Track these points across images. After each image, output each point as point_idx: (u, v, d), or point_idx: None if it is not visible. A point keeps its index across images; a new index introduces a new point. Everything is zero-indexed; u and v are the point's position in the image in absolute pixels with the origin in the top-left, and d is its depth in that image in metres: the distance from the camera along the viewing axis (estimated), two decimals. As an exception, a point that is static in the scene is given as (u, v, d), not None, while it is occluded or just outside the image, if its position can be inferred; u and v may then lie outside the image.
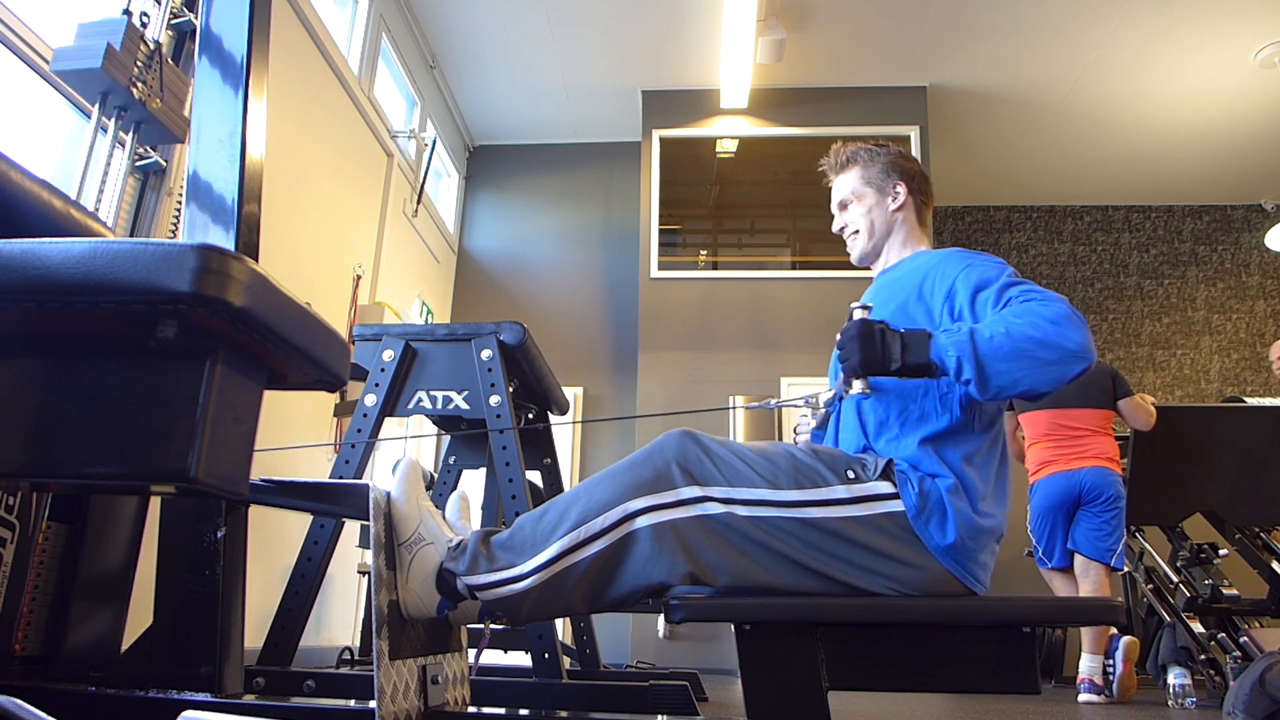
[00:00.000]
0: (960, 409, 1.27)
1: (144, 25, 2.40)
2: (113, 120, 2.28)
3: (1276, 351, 4.17)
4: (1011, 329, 1.16)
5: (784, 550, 1.16)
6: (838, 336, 1.24)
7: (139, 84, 2.22)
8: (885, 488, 1.19)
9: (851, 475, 1.20)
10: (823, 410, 1.49)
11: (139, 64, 2.21)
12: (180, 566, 1.21)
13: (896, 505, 1.18)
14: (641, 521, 1.17)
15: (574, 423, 5.06)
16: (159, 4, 2.67)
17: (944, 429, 1.26)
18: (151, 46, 2.27)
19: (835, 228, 1.57)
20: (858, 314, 1.24)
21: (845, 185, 1.54)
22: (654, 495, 1.18)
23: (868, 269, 1.56)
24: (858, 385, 1.25)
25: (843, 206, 1.55)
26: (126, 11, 2.23)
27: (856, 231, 1.53)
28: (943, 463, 1.23)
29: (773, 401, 1.79)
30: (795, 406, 1.64)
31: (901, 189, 1.51)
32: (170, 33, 2.75)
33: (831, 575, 1.17)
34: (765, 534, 1.17)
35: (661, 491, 1.18)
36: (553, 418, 2.65)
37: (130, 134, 2.39)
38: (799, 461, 1.21)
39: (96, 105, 2.21)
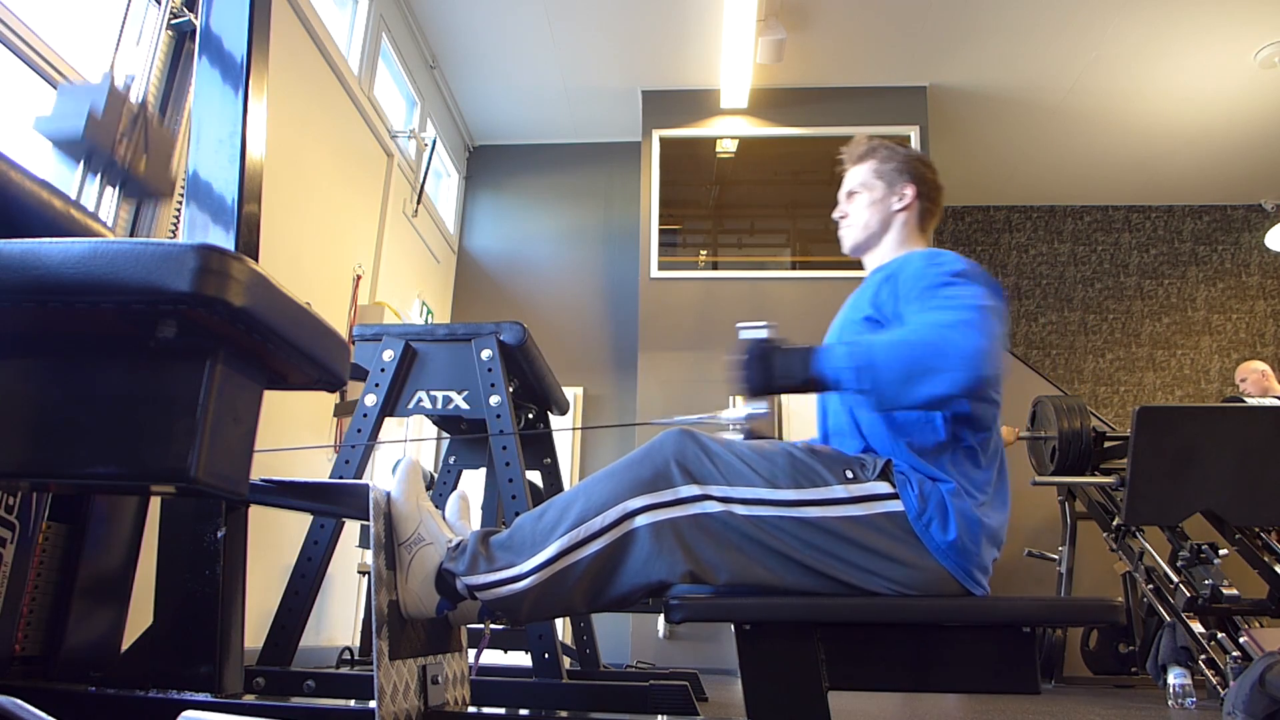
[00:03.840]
0: (944, 416, 1.26)
1: (128, 86, 2.36)
2: (97, 179, 2.25)
3: (1242, 373, 4.20)
4: (906, 337, 1.18)
5: (782, 549, 1.17)
6: (732, 358, 1.25)
7: (123, 143, 2.19)
8: (884, 488, 1.19)
9: (850, 475, 1.20)
10: (741, 428, 1.51)
11: (123, 126, 2.17)
12: (180, 566, 1.21)
13: (896, 505, 1.18)
14: (640, 520, 1.17)
15: (573, 430, 5.06)
16: (159, 4, 2.67)
17: (933, 436, 1.25)
18: (135, 107, 2.24)
19: (835, 214, 1.57)
20: (747, 334, 1.25)
21: (857, 176, 1.54)
22: (653, 494, 1.18)
23: (859, 263, 1.56)
24: (754, 405, 1.29)
25: (849, 196, 1.55)
26: (109, 73, 2.21)
27: (852, 222, 1.53)
28: (941, 467, 1.23)
29: (677, 418, 1.84)
30: (699, 423, 1.65)
31: (910, 191, 1.50)
32: (170, 33, 2.75)
33: (830, 574, 1.17)
34: (764, 533, 1.17)
35: (660, 490, 1.18)
36: (553, 422, 2.65)
37: (116, 190, 2.36)
38: (798, 461, 1.21)
39: (80, 167, 2.20)
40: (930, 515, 1.17)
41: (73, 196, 2.20)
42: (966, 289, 1.22)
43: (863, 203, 1.52)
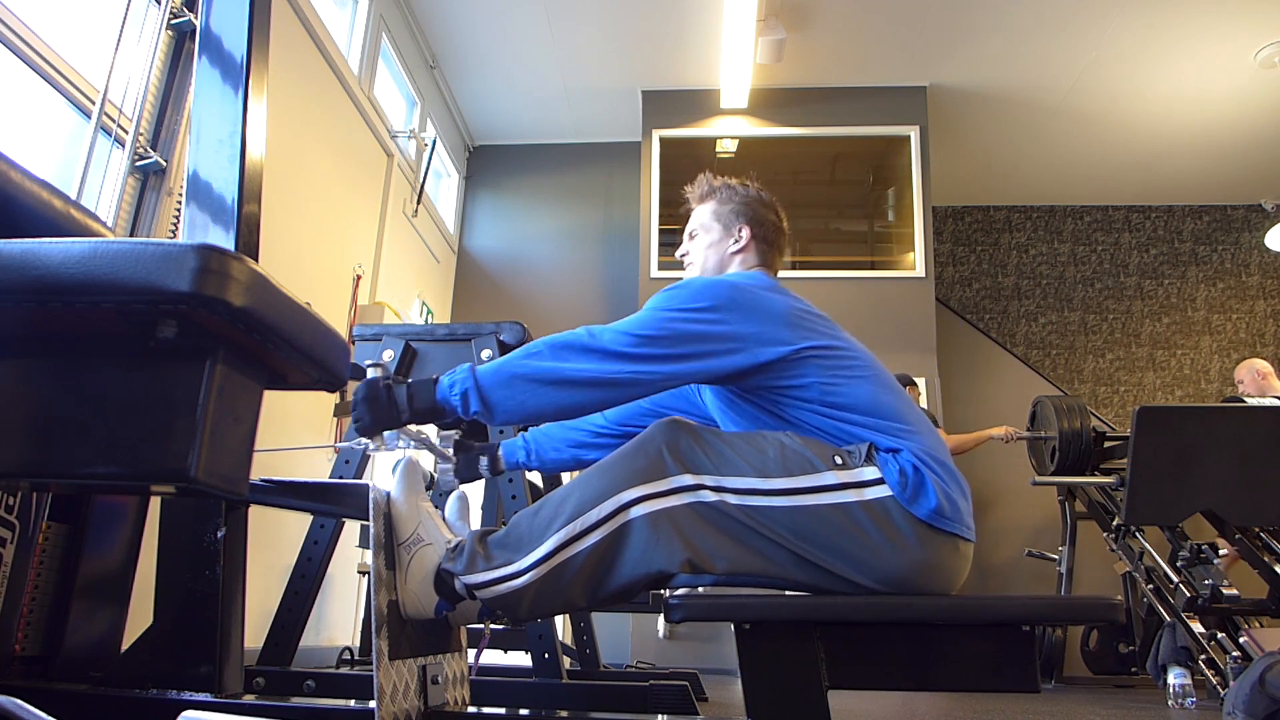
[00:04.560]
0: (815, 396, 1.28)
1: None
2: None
3: (1240, 373, 4.21)
4: (515, 356, 1.26)
5: (775, 538, 1.17)
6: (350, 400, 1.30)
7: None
8: (872, 472, 1.20)
9: (839, 461, 1.20)
10: (448, 463, 1.57)
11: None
12: (180, 566, 1.21)
13: (884, 490, 1.19)
14: (636, 511, 1.17)
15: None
16: (159, 4, 2.67)
17: (803, 406, 1.28)
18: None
19: (678, 254, 1.61)
20: (369, 373, 1.30)
21: (697, 217, 1.58)
22: (647, 484, 1.18)
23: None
24: (378, 441, 1.33)
25: (690, 236, 1.59)
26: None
27: (692, 263, 1.56)
28: (893, 437, 1.24)
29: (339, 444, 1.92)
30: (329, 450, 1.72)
31: (746, 232, 1.53)
32: (170, 33, 2.75)
33: (822, 561, 1.17)
34: (757, 522, 1.17)
35: (655, 480, 1.18)
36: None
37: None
38: (787, 448, 1.21)
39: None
40: (911, 486, 1.18)
41: (76, 180, 2.22)
42: (635, 316, 1.29)
43: (701, 244, 1.55)
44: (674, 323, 1.27)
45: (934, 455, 1.23)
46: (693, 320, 1.27)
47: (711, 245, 1.54)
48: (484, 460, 1.63)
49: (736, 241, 1.53)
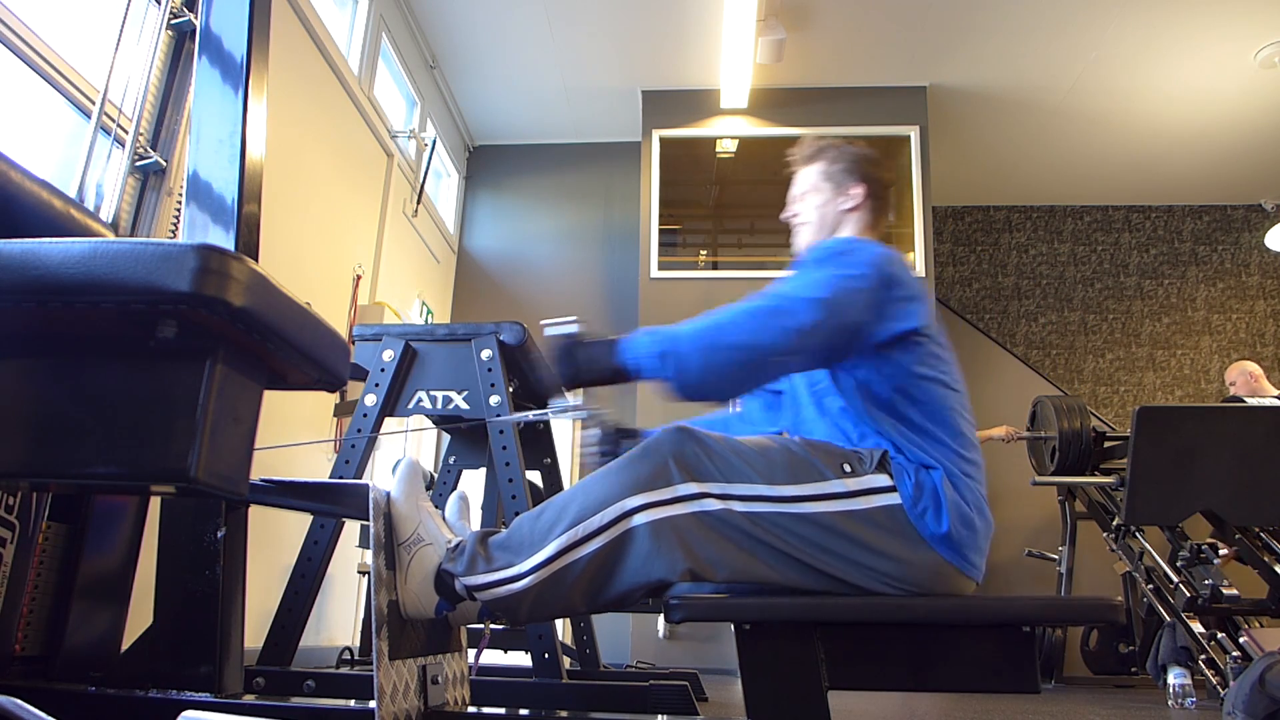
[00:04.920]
0: (893, 397, 1.26)
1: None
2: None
3: (1231, 374, 4.22)
4: (708, 324, 1.22)
5: (781, 546, 1.17)
6: (545, 355, 1.28)
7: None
8: (882, 480, 1.19)
9: (848, 469, 1.20)
10: (605, 428, 1.52)
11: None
12: (180, 566, 1.21)
13: (894, 499, 1.18)
14: (639, 519, 1.17)
15: (574, 419, 5.06)
16: (159, 4, 2.67)
17: (895, 415, 1.26)
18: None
19: (784, 215, 1.58)
20: (551, 330, 1.29)
21: (805, 178, 1.56)
22: (651, 492, 1.18)
23: None
24: (570, 398, 1.33)
25: (799, 197, 1.56)
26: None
27: (805, 222, 1.54)
28: (928, 453, 1.23)
29: (530, 414, 1.90)
30: (529, 420, 1.72)
31: (859, 191, 1.51)
32: (170, 33, 2.75)
33: (829, 569, 1.17)
34: (763, 530, 1.17)
35: (659, 488, 1.18)
36: (553, 421, 2.65)
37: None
38: (795, 456, 1.21)
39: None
40: (925, 504, 1.18)
41: (76, 179, 2.22)
42: (806, 274, 1.26)
43: (813, 203, 1.53)
44: (849, 285, 1.24)
45: (967, 481, 1.22)
46: (862, 283, 1.25)
47: (825, 204, 1.51)
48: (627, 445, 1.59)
49: (849, 200, 1.51)
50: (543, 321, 1.30)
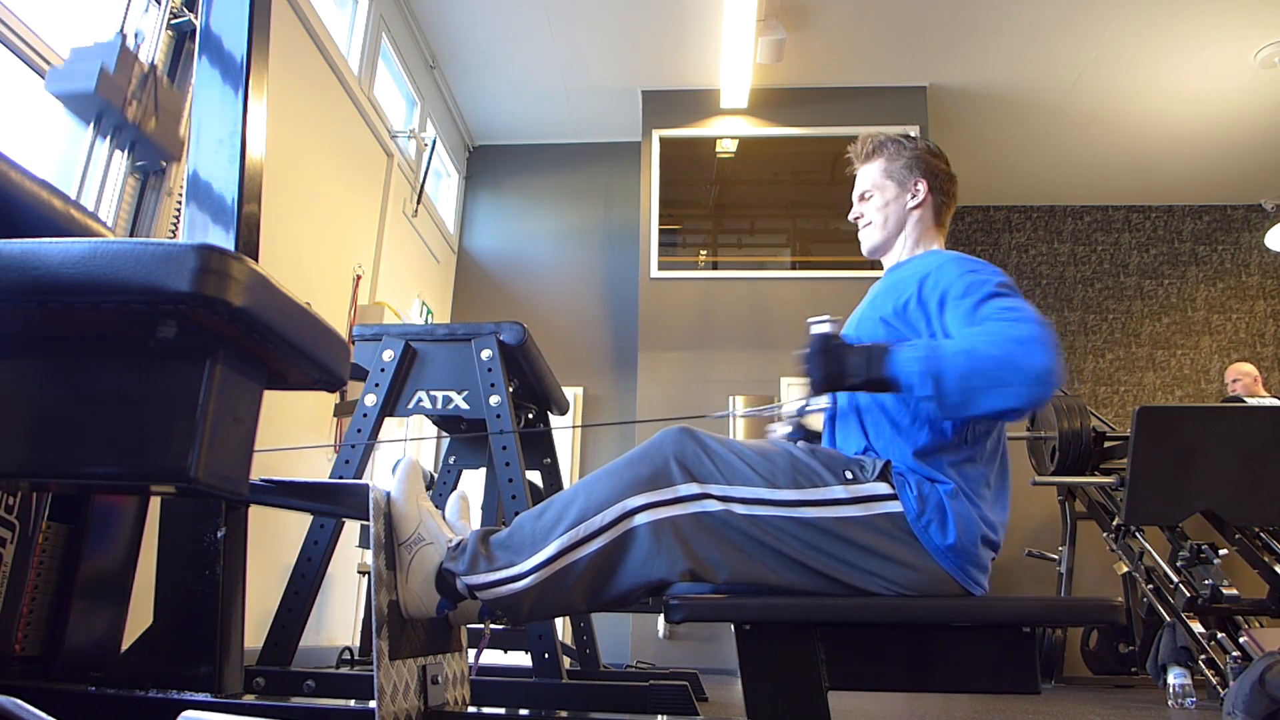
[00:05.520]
0: (951, 421, 1.26)
1: (138, 45, 2.37)
2: (108, 139, 2.26)
3: (1232, 374, 4.23)
4: (976, 347, 1.16)
5: (781, 549, 1.17)
6: (799, 353, 1.24)
7: (134, 104, 2.21)
8: (883, 489, 1.19)
9: (850, 476, 1.20)
10: (791, 420, 1.50)
11: (133, 84, 2.19)
12: (180, 566, 1.21)
13: (895, 506, 1.18)
14: (640, 519, 1.17)
15: (573, 427, 5.06)
16: (159, 4, 2.67)
17: (936, 438, 1.25)
18: (146, 67, 2.25)
19: (851, 216, 1.55)
20: (816, 329, 1.25)
21: (867, 176, 1.53)
22: (653, 492, 1.18)
23: (877, 263, 1.55)
24: (820, 401, 1.29)
25: (863, 198, 1.53)
26: (121, 33, 2.21)
27: (870, 223, 1.51)
28: (940, 468, 1.23)
29: (739, 411, 1.84)
30: (760, 416, 1.66)
31: (923, 186, 1.49)
32: (170, 33, 2.75)
33: (829, 574, 1.17)
34: (763, 532, 1.17)
35: (660, 489, 1.18)
36: (553, 421, 2.65)
37: (126, 152, 2.37)
38: (798, 461, 1.21)
39: (91, 125, 2.20)
40: (929, 517, 1.17)
41: (78, 172, 2.22)
42: (1019, 302, 1.22)
43: (876, 204, 1.50)
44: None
45: (985, 512, 1.22)
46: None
47: (889, 203, 1.49)
48: None
49: (914, 196, 1.49)
50: (809, 320, 1.26)
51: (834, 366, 1.20)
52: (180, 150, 2.50)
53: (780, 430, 1.55)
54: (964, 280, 1.28)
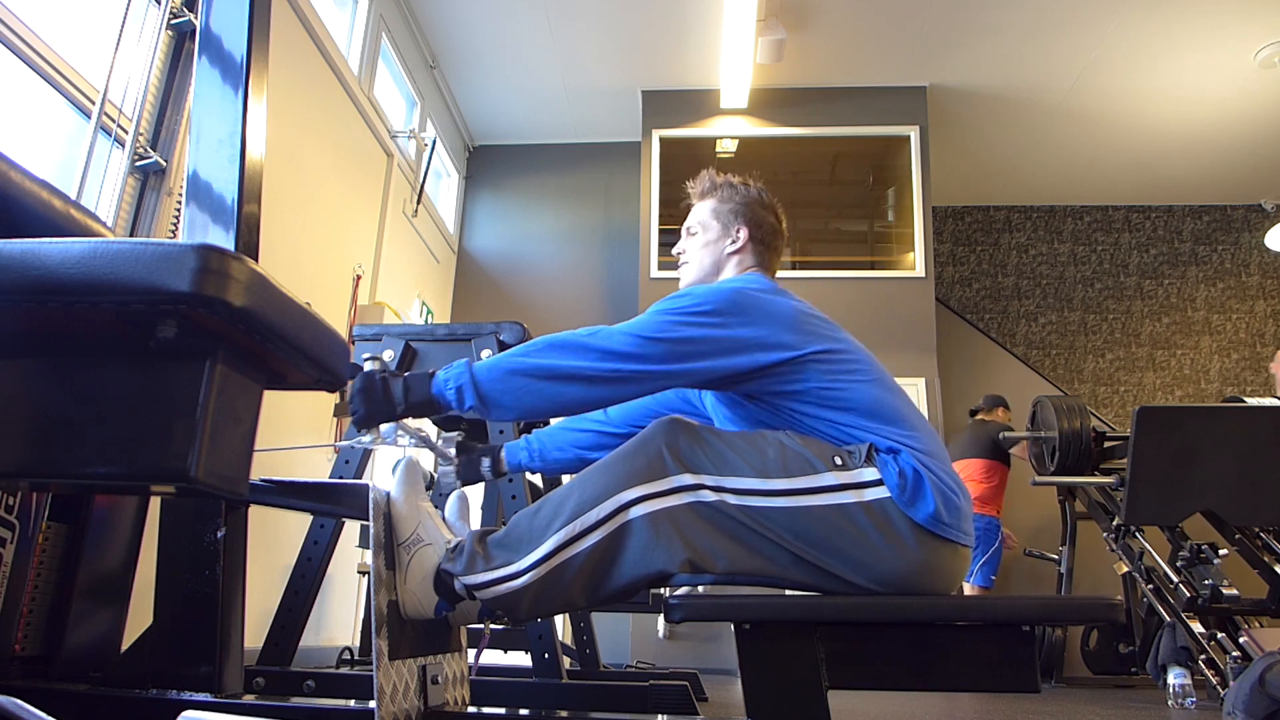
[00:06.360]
0: (809, 398, 1.27)
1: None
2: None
3: (1275, 368, 4.21)
4: (514, 352, 1.26)
5: (776, 539, 1.17)
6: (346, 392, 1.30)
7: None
8: (871, 473, 1.20)
9: (839, 462, 1.20)
10: (449, 462, 1.57)
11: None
12: (180, 566, 1.21)
13: (882, 491, 1.19)
14: (636, 511, 1.17)
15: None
16: (159, 4, 2.67)
17: (853, 413, 1.27)
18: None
19: (674, 250, 1.59)
20: (366, 366, 1.31)
21: (696, 214, 1.56)
22: (647, 484, 1.18)
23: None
24: (373, 434, 1.34)
25: (688, 232, 1.57)
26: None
27: (688, 262, 1.55)
28: (887, 436, 1.24)
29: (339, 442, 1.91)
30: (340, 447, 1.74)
31: (743, 234, 1.51)
32: (170, 33, 2.75)
33: (824, 563, 1.17)
34: (756, 522, 1.17)
35: (655, 480, 1.18)
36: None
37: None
38: (787, 449, 1.21)
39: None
40: (909, 487, 1.18)
41: (76, 180, 2.22)
42: (638, 322, 1.28)
43: (698, 243, 1.54)
44: (677, 326, 1.27)
45: (933, 458, 1.23)
46: (696, 324, 1.27)
47: (708, 244, 1.52)
48: (486, 461, 1.63)
49: (734, 242, 1.51)
50: (358, 359, 1.33)
51: (376, 400, 1.27)
52: (179, 150, 2.50)
53: (448, 474, 1.61)
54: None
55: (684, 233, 1.58)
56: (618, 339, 1.25)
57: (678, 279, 1.57)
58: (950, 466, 1.26)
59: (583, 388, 1.24)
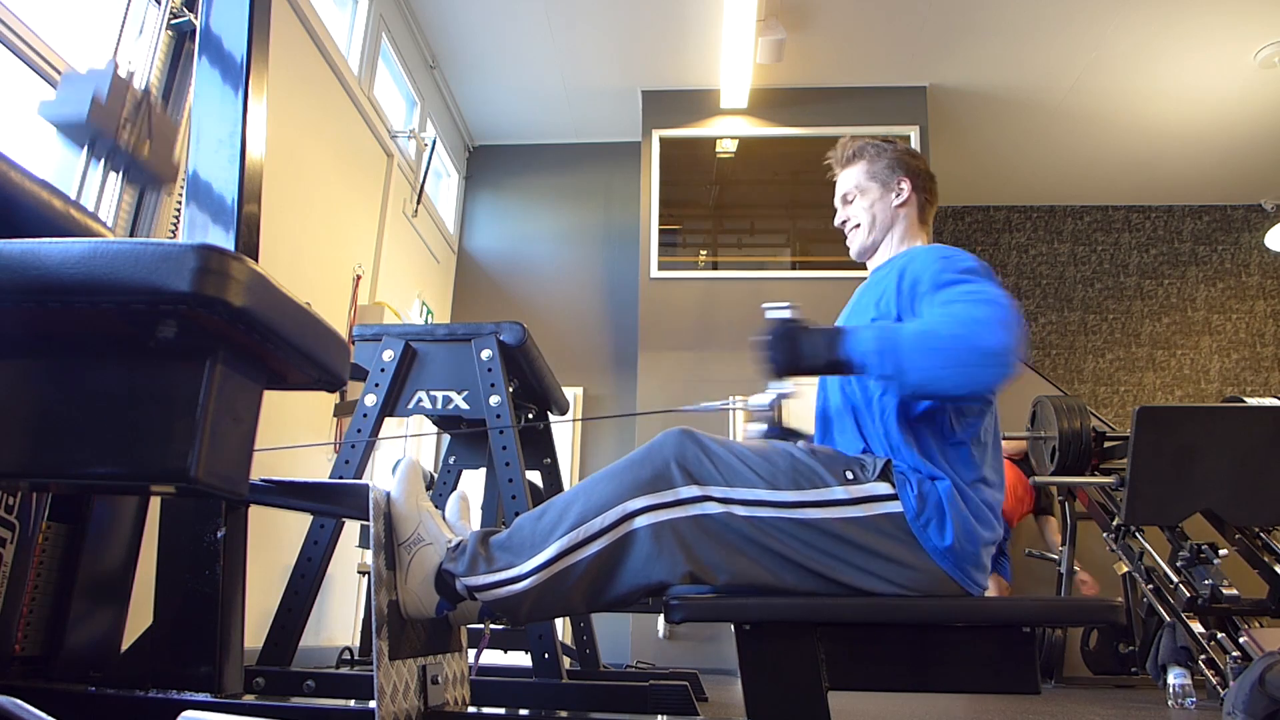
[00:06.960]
0: (943, 417, 1.25)
1: (130, 74, 2.34)
2: (101, 163, 2.25)
3: None
4: (934, 326, 1.17)
5: (782, 550, 1.16)
6: (757, 339, 1.24)
7: (126, 128, 2.19)
8: (884, 489, 1.19)
9: (850, 476, 1.20)
10: (765, 417, 1.50)
11: (126, 111, 2.18)
12: (180, 566, 1.21)
13: (895, 506, 1.18)
14: (640, 521, 1.17)
15: (574, 420, 5.06)
16: (159, 4, 2.67)
17: (933, 435, 1.25)
18: (139, 94, 2.23)
19: (837, 221, 1.56)
20: (773, 314, 1.25)
21: (850, 179, 1.54)
22: (653, 495, 1.18)
23: (864, 265, 1.56)
24: (782, 386, 1.29)
25: (846, 200, 1.54)
26: (114, 59, 2.20)
27: (858, 225, 1.52)
28: (938, 465, 1.23)
29: (713, 404, 1.85)
30: (729, 409, 1.68)
31: (906, 185, 1.50)
32: (170, 33, 2.75)
33: (830, 575, 1.17)
34: (763, 534, 1.17)
35: (660, 491, 1.18)
36: (552, 417, 2.65)
37: (119, 176, 2.36)
38: (798, 462, 1.21)
39: (84, 149, 2.19)
40: (928, 516, 1.17)
41: (75, 182, 2.21)
42: (986, 285, 1.21)
43: (863, 205, 1.51)
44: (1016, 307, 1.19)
45: (980, 501, 1.21)
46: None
47: (874, 204, 1.50)
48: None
49: (899, 195, 1.50)
50: (764, 305, 1.26)
51: (793, 350, 1.20)
52: (174, 175, 2.49)
53: (754, 429, 1.55)
54: (933, 267, 1.28)
55: (840, 202, 1.55)
56: (1003, 342, 1.12)
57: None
58: (996, 498, 1.25)
59: (987, 370, 1.13)
